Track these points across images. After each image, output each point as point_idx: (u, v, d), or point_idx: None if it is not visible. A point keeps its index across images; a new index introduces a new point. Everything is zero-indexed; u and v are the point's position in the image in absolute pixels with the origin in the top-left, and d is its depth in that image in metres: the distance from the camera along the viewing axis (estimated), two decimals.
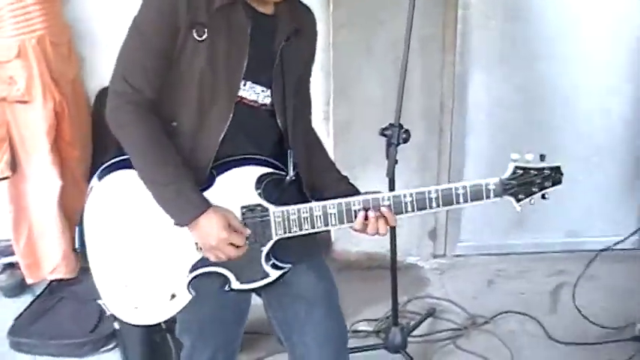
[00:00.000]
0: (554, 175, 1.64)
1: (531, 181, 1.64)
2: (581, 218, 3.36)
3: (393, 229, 2.35)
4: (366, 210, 1.64)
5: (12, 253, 2.99)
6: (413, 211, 1.65)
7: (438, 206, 1.64)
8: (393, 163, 2.20)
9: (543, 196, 1.65)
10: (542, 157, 1.64)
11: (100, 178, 1.68)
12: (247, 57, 1.63)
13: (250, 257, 1.65)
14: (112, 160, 1.68)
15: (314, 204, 1.65)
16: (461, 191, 1.63)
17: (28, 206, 2.87)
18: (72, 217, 2.88)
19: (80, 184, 2.92)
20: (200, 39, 1.59)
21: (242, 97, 1.66)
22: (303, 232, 1.66)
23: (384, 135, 2.21)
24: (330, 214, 1.64)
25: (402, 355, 2.52)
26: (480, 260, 3.35)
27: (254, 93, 1.68)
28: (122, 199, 1.66)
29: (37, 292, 2.96)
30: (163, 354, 2.31)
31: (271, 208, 1.65)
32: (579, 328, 2.74)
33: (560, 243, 3.36)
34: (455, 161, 3.26)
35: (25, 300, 2.93)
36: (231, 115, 1.63)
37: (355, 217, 1.64)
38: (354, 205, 1.64)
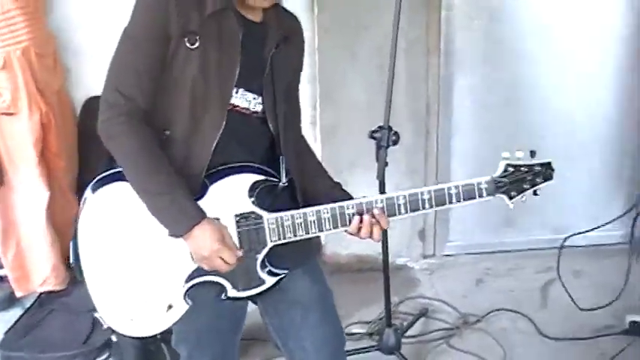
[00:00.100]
0: (545, 171, 1.67)
1: (523, 178, 1.66)
2: (567, 215, 3.40)
3: (384, 232, 2.36)
4: (360, 214, 1.65)
5: (0, 267, 2.97)
6: (406, 212, 1.66)
7: (431, 207, 1.66)
8: (383, 165, 2.21)
9: (535, 193, 1.68)
10: (532, 154, 1.67)
11: (93, 190, 1.67)
12: (239, 64, 1.63)
13: (246, 265, 1.65)
14: (106, 173, 1.67)
15: (308, 209, 1.65)
16: (453, 191, 1.65)
17: (16, 218, 2.86)
18: (60, 228, 2.87)
19: (67, 194, 2.91)
20: (192, 47, 1.59)
21: (234, 105, 1.66)
22: (298, 238, 1.66)
23: (374, 138, 2.22)
24: (324, 218, 1.65)
25: (396, 356, 2.52)
26: (468, 259, 3.38)
27: (245, 100, 1.69)
28: (116, 211, 1.65)
29: (27, 305, 2.93)
30: None
31: (265, 215, 1.65)
32: (570, 323, 2.77)
33: (548, 240, 3.40)
34: (442, 162, 3.28)
35: (15, 313, 2.90)
36: (224, 123, 1.63)
37: (349, 221, 1.65)
38: (347, 209, 1.65)
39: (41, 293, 2.94)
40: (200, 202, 1.62)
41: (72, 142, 2.98)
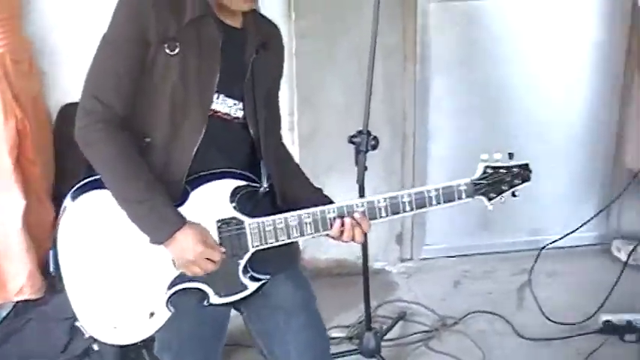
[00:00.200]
0: (523, 173, 1.70)
1: (501, 180, 1.69)
2: (541, 217, 3.45)
3: (364, 235, 2.37)
4: (342, 217, 1.66)
5: None
6: (387, 215, 1.68)
7: (412, 209, 1.68)
8: (362, 169, 2.22)
9: (513, 194, 1.71)
10: (510, 156, 1.70)
11: (73, 198, 1.66)
12: (219, 70, 1.64)
13: (228, 270, 1.66)
14: (85, 180, 1.66)
15: (289, 214, 1.66)
16: (433, 194, 1.67)
17: None
18: (36, 235, 2.82)
19: (44, 201, 2.87)
20: (172, 53, 1.59)
21: (215, 111, 1.67)
22: (280, 243, 1.67)
23: (353, 142, 2.22)
24: (306, 223, 1.66)
25: (376, 359, 2.54)
26: (446, 262, 3.40)
27: (227, 106, 1.69)
28: (97, 219, 1.64)
29: (3, 315, 2.89)
30: None
31: (246, 220, 1.66)
32: (547, 324, 2.80)
33: (523, 242, 3.44)
34: (418, 165, 3.30)
35: None
36: (204, 129, 1.64)
37: (331, 225, 1.66)
38: (329, 213, 1.66)
39: (17, 302, 2.89)
40: (181, 209, 1.62)
41: (48, 149, 2.93)
